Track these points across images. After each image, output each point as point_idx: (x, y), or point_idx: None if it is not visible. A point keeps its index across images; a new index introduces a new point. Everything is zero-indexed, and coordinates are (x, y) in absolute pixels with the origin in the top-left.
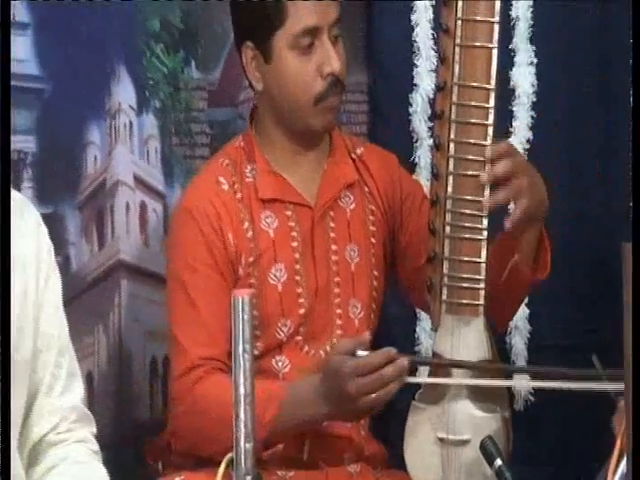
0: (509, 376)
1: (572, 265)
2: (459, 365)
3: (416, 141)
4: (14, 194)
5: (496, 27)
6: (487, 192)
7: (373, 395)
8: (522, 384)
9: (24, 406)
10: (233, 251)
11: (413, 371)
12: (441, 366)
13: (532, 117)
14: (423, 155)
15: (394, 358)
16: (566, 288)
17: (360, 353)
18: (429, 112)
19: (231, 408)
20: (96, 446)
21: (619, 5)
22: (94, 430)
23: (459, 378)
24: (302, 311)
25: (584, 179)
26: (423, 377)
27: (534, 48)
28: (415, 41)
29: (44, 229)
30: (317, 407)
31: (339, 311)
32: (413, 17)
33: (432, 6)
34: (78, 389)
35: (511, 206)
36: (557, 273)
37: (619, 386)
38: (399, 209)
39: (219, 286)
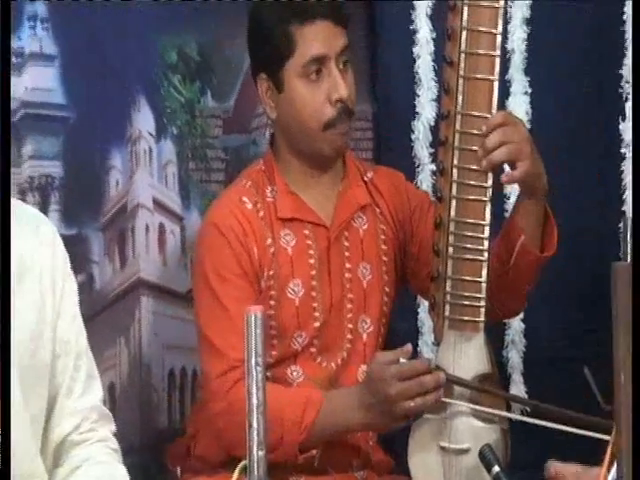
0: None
1: (571, 266)
2: (484, 390)
3: (418, 166)
4: (29, 209)
5: (497, 60)
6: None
7: (412, 402)
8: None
9: (45, 408)
10: (257, 265)
11: None
12: (464, 386)
13: None
14: (424, 179)
15: (433, 369)
16: (565, 288)
17: (402, 361)
18: (430, 139)
19: (287, 410)
20: (116, 444)
21: (611, 36)
22: (114, 428)
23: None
24: (317, 324)
25: (580, 193)
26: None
27: (528, 79)
28: (417, 72)
29: (59, 241)
30: (355, 414)
31: (350, 326)
32: (415, 50)
33: (433, 39)
34: (97, 390)
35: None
36: (556, 274)
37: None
38: (409, 220)
39: (248, 294)
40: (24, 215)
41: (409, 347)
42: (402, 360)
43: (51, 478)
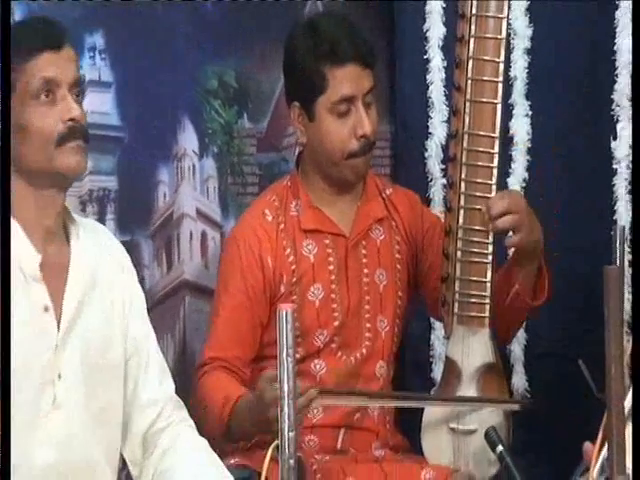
0: None
1: (569, 270)
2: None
3: (430, 180)
4: (101, 227)
5: (500, 86)
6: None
7: None
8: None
9: (122, 403)
10: (271, 273)
11: (421, 369)
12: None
13: (527, 160)
14: (437, 192)
15: (307, 390)
16: (564, 291)
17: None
18: (442, 156)
19: (217, 396)
20: (192, 422)
21: (604, 65)
22: (187, 413)
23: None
24: (336, 324)
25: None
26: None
27: (529, 103)
28: (430, 97)
29: (127, 256)
30: (252, 418)
31: (368, 325)
32: (428, 77)
33: (444, 67)
34: (171, 382)
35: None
36: (556, 279)
37: None
38: (421, 239)
39: (241, 305)
40: (97, 232)
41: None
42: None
43: (142, 468)
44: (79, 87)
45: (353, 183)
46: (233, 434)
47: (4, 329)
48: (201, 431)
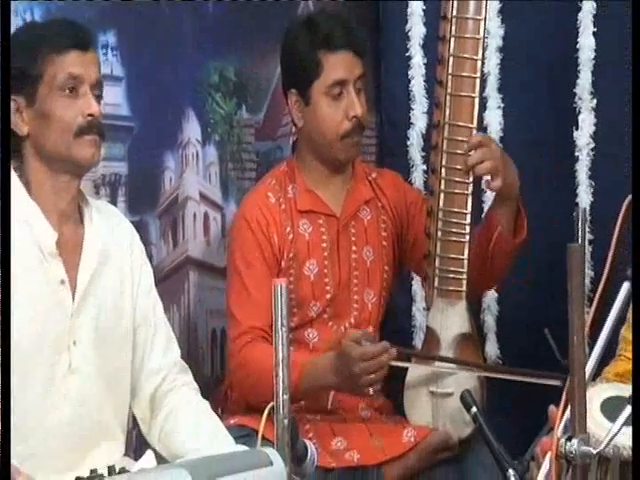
0: None
1: (534, 248)
2: (439, 359)
3: (412, 167)
4: (112, 209)
5: (478, 81)
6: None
7: (372, 376)
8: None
9: (130, 367)
10: (277, 249)
11: (403, 337)
12: (423, 357)
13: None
14: (418, 177)
15: (388, 349)
16: (531, 267)
17: (365, 343)
18: (422, 145)
19: (268, 369)
20: (196, 386)
21: (568, 62)
22: (191, 376)
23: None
24: (328, 296)
25: (543, 187)
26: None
27: (501, 96)
28: (411, 91)
29: (136, 235)
30: (330, 378)
31: (356, 297)
32: (410, 73)
33: (424, 64)
34: (176, 349)
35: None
36: (522, 255)
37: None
38: (406, 215)
39: (266, 276)
40: (109, 213)
41: (371, 331)
42: (364, 343)
43: (150, 427)
44: (99, 89)
45: (345, 163)
46: (305, 392)
47: (4, 329)
48: (249, 395)
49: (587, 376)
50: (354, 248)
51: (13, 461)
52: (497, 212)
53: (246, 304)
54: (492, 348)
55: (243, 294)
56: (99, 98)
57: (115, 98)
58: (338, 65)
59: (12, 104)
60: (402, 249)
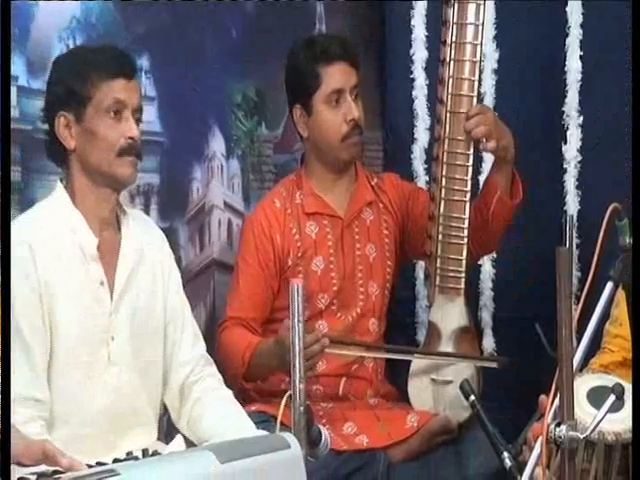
0: None
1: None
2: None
3: (415, 177)
4: (146, 217)
5: (475, 100)
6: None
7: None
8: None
9: (162, 361)
10: (280, 248)
11: (407, 332)
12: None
13: None
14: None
15: (320, 339)
16: (523, 268)
17: None
18: (425, 158)
19: (235, 350)
20: (220, 376)
21: (558, 84)
22: (215, 368)
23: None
24: (335, 289)
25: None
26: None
27: (496, 114)
28: (415, 109)
29: (166, 240)
30: (273, 362)
31: (361, 289)
32: (413, 93)
33: (427, 85)
34: (202, 344)
35: None
36: (514, 257)
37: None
38: (405, 205)
39: (257, 274)
40: (142, 221)
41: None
42: None
43: (179, 414)
44: (140, 113)
45: (348, 163)
46: (252, 374)
47: (4, 327)
48: (222, 374)
49: (574, 367)
50: (358, 245)
51: (57, 444)
52: (494, 177)
53: (236, 298)
54: (489, 342)
55: (234, 288)
56: (139, 121)
57: (148, 116)
58: (335, 75)
59: (62, 120)
60: (406, 238)
